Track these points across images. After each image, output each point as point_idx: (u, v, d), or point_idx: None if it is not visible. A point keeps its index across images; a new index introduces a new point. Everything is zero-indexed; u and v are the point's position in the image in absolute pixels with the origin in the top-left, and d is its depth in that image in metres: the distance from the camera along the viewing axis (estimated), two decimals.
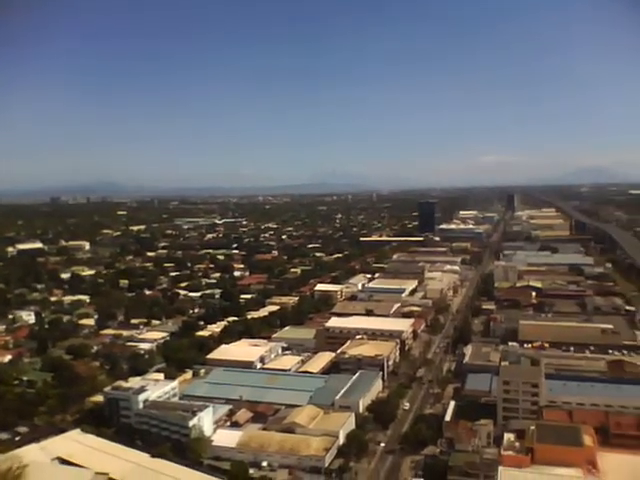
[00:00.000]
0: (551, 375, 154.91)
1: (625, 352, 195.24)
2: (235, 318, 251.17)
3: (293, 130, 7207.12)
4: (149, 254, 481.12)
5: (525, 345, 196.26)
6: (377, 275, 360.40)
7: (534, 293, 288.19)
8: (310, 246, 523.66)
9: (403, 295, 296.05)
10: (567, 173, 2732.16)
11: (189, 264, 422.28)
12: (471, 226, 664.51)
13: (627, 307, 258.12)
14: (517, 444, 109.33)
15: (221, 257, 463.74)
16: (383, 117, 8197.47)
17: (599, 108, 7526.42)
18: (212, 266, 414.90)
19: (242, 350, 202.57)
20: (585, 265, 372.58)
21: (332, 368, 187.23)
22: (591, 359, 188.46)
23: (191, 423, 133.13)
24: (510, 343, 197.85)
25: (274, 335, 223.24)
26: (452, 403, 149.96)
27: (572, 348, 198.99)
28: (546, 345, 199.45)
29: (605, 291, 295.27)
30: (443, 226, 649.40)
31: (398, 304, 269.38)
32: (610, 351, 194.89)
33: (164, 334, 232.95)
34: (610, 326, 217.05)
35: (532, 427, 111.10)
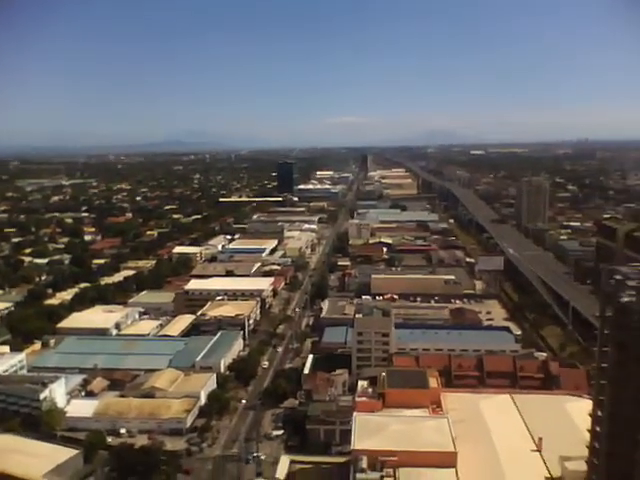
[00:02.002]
0: (400, 324, 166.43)
1: (465, 300, 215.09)
2: (87, 284, 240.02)
3: (147, 86, 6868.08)
4: None
5: (377, 297, 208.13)
6: (237, 236, 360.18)
7: (385, 249, 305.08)
8: (167, 207, 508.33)
9: (263, 255, 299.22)
10: (419, 135, 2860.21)
11: (34, 229, 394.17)
12: (327, 186, 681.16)
13: (467, 259, 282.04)
14: (370, 390, 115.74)
15: (69, 221, 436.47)
16: (241, 75, 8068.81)
17: (452, 73, 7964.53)
18: (60, 230, 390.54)
19: (96, 317, 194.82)
20: (431, 221, 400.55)
21: (192, 330, 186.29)
22: (435, 308, 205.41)
23: (42, 395, 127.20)
24: (363, 296, 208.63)
25: (130, 300, 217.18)
26: (310, 356, 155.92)
27: (419, 298, 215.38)
28: (396, 297, 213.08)
29: (448, 245, 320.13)
30: (301, 186, 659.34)
31: (258, 264, 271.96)
32: (452, 300, 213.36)
33: (8, 304, 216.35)
34: (452, 277, 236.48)
35: (383, 373, 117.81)
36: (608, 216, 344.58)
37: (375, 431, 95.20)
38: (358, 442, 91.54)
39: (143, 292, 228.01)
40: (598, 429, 74.36)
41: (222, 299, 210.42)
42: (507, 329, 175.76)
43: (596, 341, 77.37)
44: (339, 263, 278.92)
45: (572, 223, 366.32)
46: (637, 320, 66.64)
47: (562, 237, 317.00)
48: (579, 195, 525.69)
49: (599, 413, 74.12)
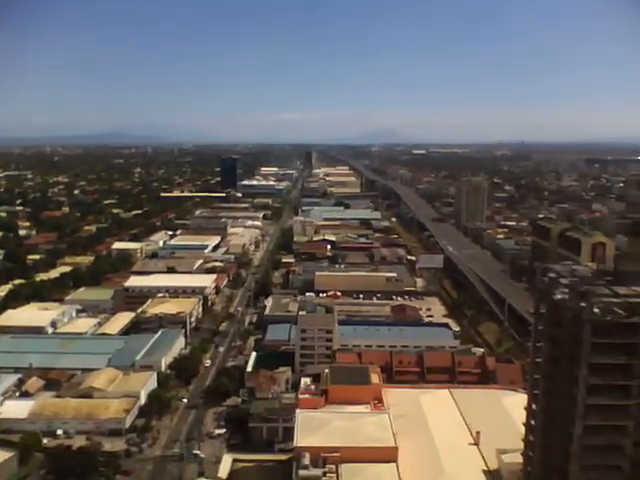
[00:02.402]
0: (343, 321, 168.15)
1: (406, 297, 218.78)
2: (22, 281, 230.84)
3: (89, 76, 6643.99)
4: None
5: (321, 295, 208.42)
6: (179, 232, 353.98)
7: (329, 246, 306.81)
8: (106, 202, 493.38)
9: (206, 251, 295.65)
10: (364, 133, 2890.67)
11: None
12: (272, 182, 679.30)
13: (408, 257, 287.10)
14: (313, 387, 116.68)
15: (3, 214, 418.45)
16: (188, 68, 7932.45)
17: (398, 72, 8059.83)
18: None
19: (31, 315, 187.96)
20: (373, 219, 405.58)
21: (132, 328, 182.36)
22: (377, 305, 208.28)
23: None
24: (307, 293, 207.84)
25: (67, 297, 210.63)
26: (253, 354, 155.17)
27: (361, 295, 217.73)
28: (339, 294, 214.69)
29: (390, 243, 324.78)
30: (245, 182, 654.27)
31: (201, 260, 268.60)
32: (394, 297, 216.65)
33: None
34: (394, 274, 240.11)
35: (326, 370, 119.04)
36: (542, 216, 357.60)
37: (318, 428, 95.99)
38: (301, 439, 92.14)
39: (81, 289, 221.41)
40: (533, 422, 77.30)
41: (163, 296, 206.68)
42: (446, 325, 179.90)
43: (530, 337, 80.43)
44: (283, 260, 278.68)
45: (509, 222, 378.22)
46: (569, 317, 69.50)
47: (499, 236, 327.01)
48: (515, 195, 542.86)
49: (534, 407, 77.08)
